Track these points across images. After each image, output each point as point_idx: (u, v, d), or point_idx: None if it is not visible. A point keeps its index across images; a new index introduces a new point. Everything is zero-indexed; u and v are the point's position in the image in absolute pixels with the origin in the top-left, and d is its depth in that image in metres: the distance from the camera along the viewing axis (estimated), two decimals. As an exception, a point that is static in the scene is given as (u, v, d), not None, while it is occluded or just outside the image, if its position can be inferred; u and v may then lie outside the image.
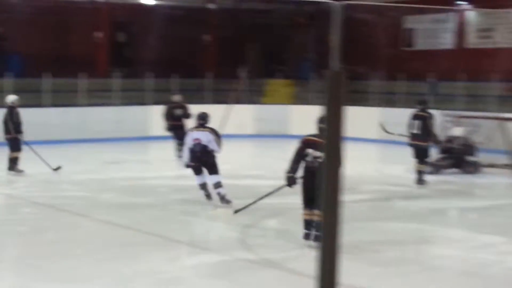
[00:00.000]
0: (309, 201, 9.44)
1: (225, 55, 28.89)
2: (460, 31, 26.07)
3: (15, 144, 15.67)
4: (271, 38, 30.67)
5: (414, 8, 26.27)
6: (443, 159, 16.54)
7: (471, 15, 25.91)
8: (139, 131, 23.39)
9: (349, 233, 9.83)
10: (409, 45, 27.57)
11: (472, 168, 16.38)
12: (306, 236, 9.47)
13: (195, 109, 24.27)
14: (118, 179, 15.50)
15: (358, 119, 23.07)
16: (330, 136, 4.14)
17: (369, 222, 11.29)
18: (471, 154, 16.51)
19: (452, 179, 15.92)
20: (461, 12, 26.13)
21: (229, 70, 26.86)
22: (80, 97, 23.98)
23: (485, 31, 25.27)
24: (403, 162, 18.26)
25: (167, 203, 12.68)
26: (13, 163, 15.69)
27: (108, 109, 23.62)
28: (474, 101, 22.45)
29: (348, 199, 12.88)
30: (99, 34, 27.39)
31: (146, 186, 14.88)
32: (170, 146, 18.66)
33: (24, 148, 15.77)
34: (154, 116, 23.63)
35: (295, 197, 13.32)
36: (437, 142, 15.48)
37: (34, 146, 16.02)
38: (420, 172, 14.88)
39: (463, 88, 22.77)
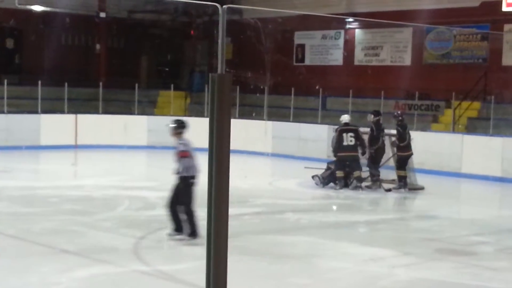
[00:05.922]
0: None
1: (115, 65, 28.76)
2: (349, 48, 26.80)
3: None
4: (162, 49, 30.69)
5: (305, 23, 26.85)
6: (331, 173, 16.71)
7: (359, 33, 26.67)
8: (31, 140, 22.87)
9: (240, 245, 10.05)
10: (300, 60, 28.15)
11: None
12: None
13: (87, 118, 24.20)
14: (8, 188, 15.17)
15: (249, 132, 23.41)
16: (216, 138, 4.28)
17: (261, 234, 11.42)
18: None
19: (342, 193, 16.13)
20: (350, 30, 26.88)
21: (118, 80, 26.78)
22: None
23: (372, 49, 26.11)
24: (295, 176, 18.64)
25: (58, 213, 12.52)
26: None
27: (-2, 116, 23.00)
28: (360, 117, 22.90)
29: (240, 212, 13.11)
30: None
31: (37, 195, 14.67)
32: (61, 155, 18.38)
33: None
34: (45, 125, 23.27)
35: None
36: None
37: None
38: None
39: (351, 103, 23.34)
